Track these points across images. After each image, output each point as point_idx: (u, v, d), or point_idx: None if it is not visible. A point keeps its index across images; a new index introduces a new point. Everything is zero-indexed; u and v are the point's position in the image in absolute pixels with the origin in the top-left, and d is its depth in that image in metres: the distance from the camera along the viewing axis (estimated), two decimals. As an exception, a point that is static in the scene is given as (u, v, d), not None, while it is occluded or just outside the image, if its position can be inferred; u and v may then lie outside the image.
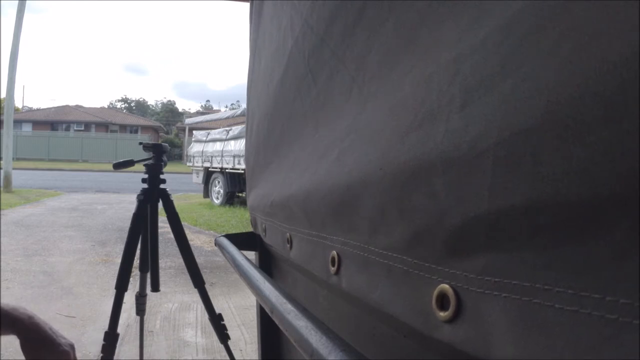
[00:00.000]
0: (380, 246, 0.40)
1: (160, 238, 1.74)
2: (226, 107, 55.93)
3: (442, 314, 0.30)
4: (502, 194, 0.25)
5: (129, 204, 8.16)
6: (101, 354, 1.44)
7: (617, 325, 0.19)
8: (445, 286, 0.30)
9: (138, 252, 1.67)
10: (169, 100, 71.43)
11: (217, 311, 1.65)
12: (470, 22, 0.30)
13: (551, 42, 0.23)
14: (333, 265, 0.49)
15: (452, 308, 0.29)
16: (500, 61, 0.26)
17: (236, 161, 7.67)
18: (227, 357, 1.66)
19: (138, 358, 1.72)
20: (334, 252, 0.49)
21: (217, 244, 1.04)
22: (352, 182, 0.44)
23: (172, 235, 1.72)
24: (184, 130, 26.30)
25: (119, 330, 1.50)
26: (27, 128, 32.58)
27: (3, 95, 13.86)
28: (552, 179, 0.22)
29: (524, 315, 0.24)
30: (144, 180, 1.69)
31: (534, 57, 0.24)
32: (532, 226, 0.23)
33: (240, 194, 8.35)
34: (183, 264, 1.68)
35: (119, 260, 1.67)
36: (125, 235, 1.67)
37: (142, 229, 1.66)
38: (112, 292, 1.60)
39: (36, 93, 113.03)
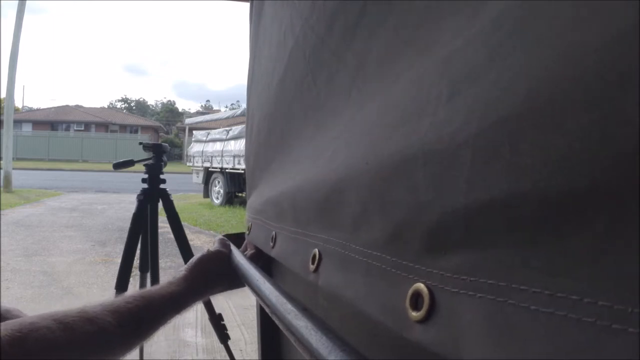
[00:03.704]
0: (360, 243, 0.39)
1: (160, 238, 1.75)
2: (226, 107, 55.91)
3: (414, 313, 0.29)
4: (480, 186, 0.24)
5: (129, 204, 8.15)
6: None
7: (595, 330, 0.17)
8: (420, 285, 0.29)
9: (138, 252, 1.67)
10: (169, 100, 71.48)
11: (217, 311, 1.65)
12: (465, 19, 0.29)
13: (535, 30, 0.22)
14: (313, 263, 0.49)
15: (425, 308, 0.28)
16: (488, 54, 0.25)
17: (236, 161, 7.68)
18: (227, 357, 1.66)
19: (138, 358, 1.72)
20: (316, 250, 0.49)
21: (217, 243, 1.04)
22: (339, 177, 0.43)
23: (172, 235, 1.72)
24: (184, 130, 26.28)
25: (119, 330, 1.49)
26: (27, 128, 32.60)
27: (3, 95, 13.86)
28: (530, 170, 0.21)
29: (498, 317, 0.22)
30: (144, 180, 1.70)
31: (520, 47, 0.23)
32: (509, 221, 0.22)
33: (240, 194, 8.35)
34: (183, 264, 1.68)
35: (119, 260, 1.67)
36: (125, 235, 1.67)
37: (142, 229, 1.66)
38: (112, 292, 1.60)
39: (36, 93, 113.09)
